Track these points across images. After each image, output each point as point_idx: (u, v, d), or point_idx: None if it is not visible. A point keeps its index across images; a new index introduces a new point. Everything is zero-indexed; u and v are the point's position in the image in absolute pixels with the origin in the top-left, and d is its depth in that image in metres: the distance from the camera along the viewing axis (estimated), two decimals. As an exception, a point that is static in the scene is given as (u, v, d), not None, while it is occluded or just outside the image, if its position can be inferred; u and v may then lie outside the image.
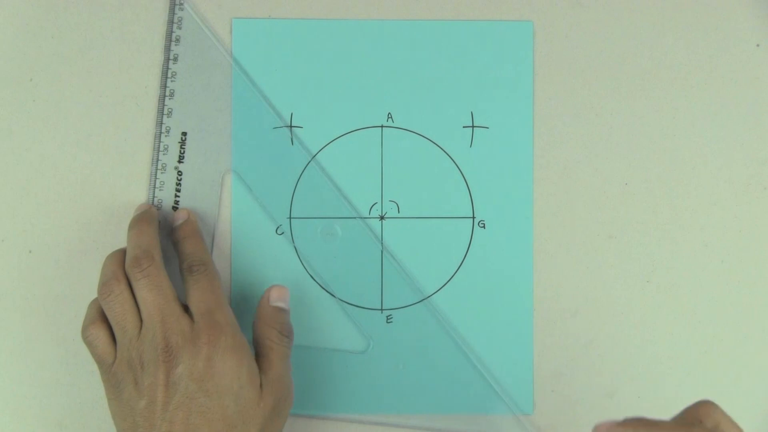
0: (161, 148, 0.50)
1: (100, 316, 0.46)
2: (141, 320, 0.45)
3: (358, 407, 0.50)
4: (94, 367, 0.46)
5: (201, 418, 0.43)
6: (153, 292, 0.45)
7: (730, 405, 0.50)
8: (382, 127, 0.51)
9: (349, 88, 0.50)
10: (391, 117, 0.51)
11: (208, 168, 0.50)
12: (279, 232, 0.50)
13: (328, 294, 0.50)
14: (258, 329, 0.47)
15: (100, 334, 0.46)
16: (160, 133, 0.50)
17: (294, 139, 0.50)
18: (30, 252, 0.50)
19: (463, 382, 0.50)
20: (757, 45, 0.51)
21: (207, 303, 0.45)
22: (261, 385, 0.45)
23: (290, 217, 0.50)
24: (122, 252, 0.48)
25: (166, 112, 0.50)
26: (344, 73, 0.51)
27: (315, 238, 0.50)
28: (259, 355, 0.46)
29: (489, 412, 0.50)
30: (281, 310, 0.48)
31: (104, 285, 0.46)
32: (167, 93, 0.50)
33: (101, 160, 0.50)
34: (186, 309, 0.45)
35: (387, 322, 0.50)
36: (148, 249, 0.46)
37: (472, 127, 0.51)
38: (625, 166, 0.51)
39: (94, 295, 0.48)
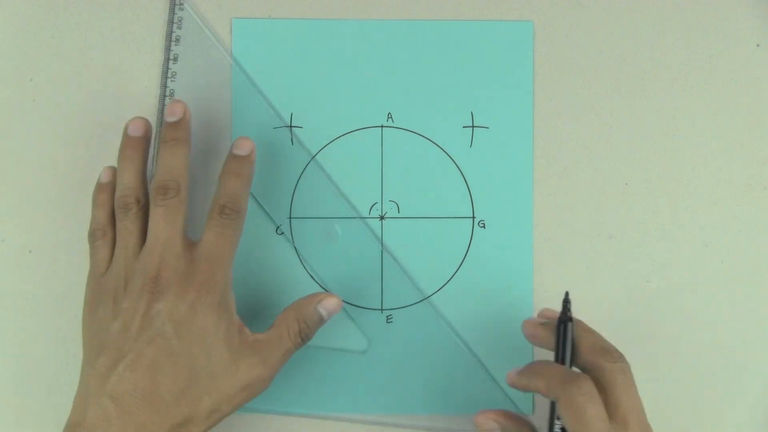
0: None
1: (110, 223, 0.46)
2: (143, 245, 0.45)
3: (357, 407, 0.50)
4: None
5: (168, 360, 0.42)
6: (165, 222, 0.44)
7: (730, 405, 0.51)
8: (382, 127, 0.51)
9: (349, 88, 0.51)
10: (391, 117, 0.51)
11: (209, 169, 0.50)
12: (279, 232, 0.50)
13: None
14: (287, 314, 0.46)
15: (107, 244, 0.46)
16: (159, 133, 0.49)
17: (294, 139, 0.50)
18: (30, 252, 0.50)
19: (463, 383, 0.50)
20: (757, 45, 0.51)
21: (218, 252, 0.45)
22: (242, 354, 0.44)
23: (290, 217, 0.50)
24: (143, 164, 0.47)
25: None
26: (344, 73, 0.51)
27: (315, 238, 0.50)
28: (269, 335, 0.45)
29: (489, 412, 0.50)
30: (320, 318, 0.47)
31: (123, 198, 0.46)
32: (167, 93, 0.50)
33: (101, 160, 0.50)
34: (191, 244, 0.45)
35: (387, 322, 0.50)
36: (177, 177, 0.45)
37: (472, 127, 0.51)
38: (625, 166, 0.51)
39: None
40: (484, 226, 0.50)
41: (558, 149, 0.51)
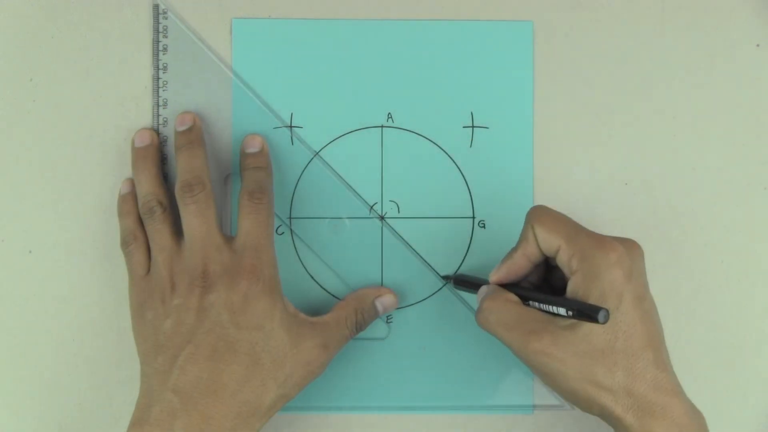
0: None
1: (139, 228, 0.47)
2: (179, 244, 0.45)
3: (357, 407, 0.50)
4: (95, 368, 0.46)
5: (228, 348, 0.43)
6: (199, 218, 0.45)
7: (730, 405, 0.51)
8: (382, 127, 0.51)
9: (349, 88, 0.50)
10: (391, 117, 0.51)
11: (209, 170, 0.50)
12: (279, 232, 0.50)
13: (328, 294, 0.50)
14: (348, 302, 0.48)
15: (141, 247, 0.46)
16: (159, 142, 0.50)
17: (294, 139, 0.50)
18: (30, 252, 0.50)
19: (463, 382, 0.50)
20: (757, 45, 0.51)
21: (257, 237, 0.45)
22: (302, 336, 0.45)
23: (290, 217, 0.50)
24: (157, 169, 0.48)
25: (161, 122, 0.50)
26: (344, 73, 0.50)
27: (315, 238, 0.50)
28: (326, 318, 0.47)
29: (489, 412, 0.50)
30: (376, 312, 0.48)
31: (146, 203, 0.46)
32: (160, 102, 0.50)
33: (101, 160, 0.50)
34: (229, 237, 0.46)
35: (387, 322, 0.50)
36: (200, 175, 0.46)
37: (472, 127, 0.51)
38: (625, 166, 0.51)
39: (95, 295, 0.48)
40: (484, 226, 0.50)
41: (558, 149, 0.51)
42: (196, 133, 0.48)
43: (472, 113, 0.51)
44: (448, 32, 0.51)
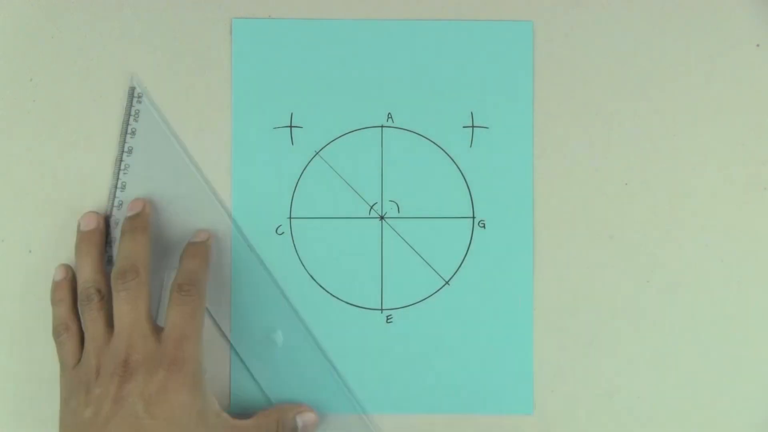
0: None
1: (72, 316, 0.47)
2: (111, 332, 0.45)
3: (357, 407, 0.50)
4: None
5: None
6: (129, 306, 0.45)
7: (730, 405, 0.51)
8: (382, 127, 0.51)
9: (349, 88, 0.50)
10: (391, 117, 0.51)
11: (156, 257, 0.49)
12: (279, 232, 0.50)
13: (328, 294, 0.50)
14: (270, 414, 0.48)
15: (72, 337, 0.46)
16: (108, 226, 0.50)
17: (294, 139, 0.50)
18: (30, 252, 0.50)
19: (463, 382, 0.50)
20: (757, 45, 0.51)
21: (182, 330, 0.45)
22: None
23: (290, 217, 0.50)
24: (100, 255, 0.48)
25: (116, 204, 0.50)
26: (344, 73, 0.50)
27: (315, 238, 0.50)
28: (248, 424, 0.47)
29: (489, 412, 0.50)
30: (295, 428, 0.48)
31: (85, 290, 0.47)
32: (119, 185, 0.49)
33: (101, 161, 0.50)
34: (159, 328, 0.45)
35: (387, 322, 0.50)
36: (136, 263, 0.46)
37: (472, 127, 0.51)
38: (625, 166, 0.51)
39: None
40: (484, 226, 0.50)
41: (558, 149, 0.51)
42: (142, 219, 0.48)
43: (472, 113, 0.51)
44: (448, 32, 0.51)
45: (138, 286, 0.45)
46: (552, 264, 0.50)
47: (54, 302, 0.48)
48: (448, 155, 0.51)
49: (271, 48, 0.50)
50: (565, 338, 0.50)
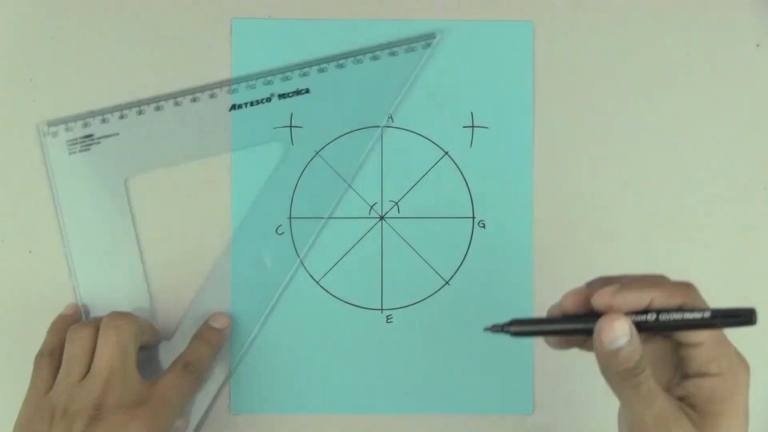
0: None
1: (59, 348, 0.46)
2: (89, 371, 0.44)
3: (357, 407, 0.50)
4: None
5: None
6: (115, 349, 0.44)
7: (730, 405, 0.50)
8: (382, 127, 0.51)
9: (349, 88, 0.50)
10: (391, 117, 0.51)
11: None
12: (279, 232, 0.50)
13: (328, 294, 0.50)
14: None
15: (52, 366, 0.45)
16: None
17: (294, 139, 0.50)
18: (30, 252, 0.50)
19: (463, 382, 0.50)
20: (757, 45, 0.51)
21: (170, 397, 0.44)
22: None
23: (290, 217, 0.50)
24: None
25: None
26: (344, 73, 0.50)
27: (315, 238, 0.50)
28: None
29: (489, 412, 0.50)
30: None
31: (76, 325, 0.46)
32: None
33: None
34: (143, 382, 0.44)
35: (387, 322, 0.50)
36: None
37: (472, 127, 0.51)
38: (625, 166, 0.51)
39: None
40: (484, 226, 0.50)
41: (558, 149, 0.51)
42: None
43: (472, 113, 0.51)
44: (448, 32, 0.51)
45: (128, 323, 0.45)
46: (552, 264, 0.50)
47: (52, 330, 0.47)
48: (448, 155, 0.51)
49: (271, 48, 0.50)
50: (565, 338, 0.50)
